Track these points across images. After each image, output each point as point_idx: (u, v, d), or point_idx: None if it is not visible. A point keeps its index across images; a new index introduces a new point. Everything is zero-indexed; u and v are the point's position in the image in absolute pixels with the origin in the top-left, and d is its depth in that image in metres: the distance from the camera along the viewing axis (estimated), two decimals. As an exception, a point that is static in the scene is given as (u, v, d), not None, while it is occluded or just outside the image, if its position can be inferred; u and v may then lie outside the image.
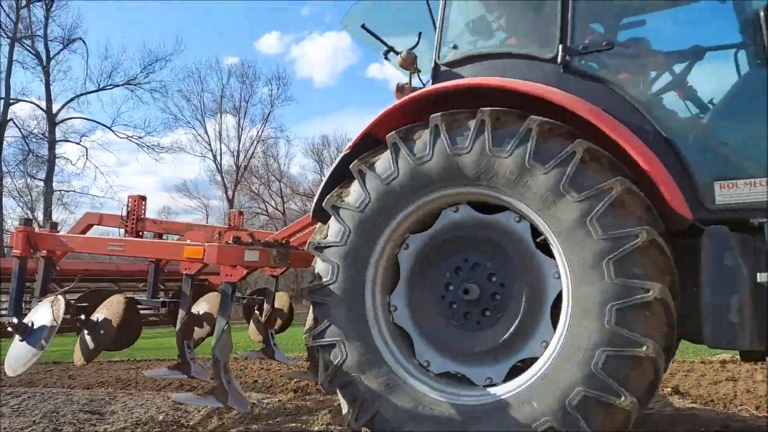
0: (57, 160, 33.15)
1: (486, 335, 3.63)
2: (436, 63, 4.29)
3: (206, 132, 41.97)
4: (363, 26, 5.06)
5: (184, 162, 51.33)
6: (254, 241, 4.68)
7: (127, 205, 6.30)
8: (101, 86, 34.44)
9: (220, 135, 42.24)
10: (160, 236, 6.42)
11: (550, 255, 3.44)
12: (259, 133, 43.25)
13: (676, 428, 4.85)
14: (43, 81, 32.56)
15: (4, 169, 31.36)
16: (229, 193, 42.52)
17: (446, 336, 3.71)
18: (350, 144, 3.98)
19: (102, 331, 4.75)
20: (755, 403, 5.73)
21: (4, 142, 30.48)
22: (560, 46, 3.79)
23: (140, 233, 6.25)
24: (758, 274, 3.16)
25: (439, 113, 3.61)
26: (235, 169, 42.54)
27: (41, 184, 32.73)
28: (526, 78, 3.80)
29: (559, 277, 3.39)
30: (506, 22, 4.37)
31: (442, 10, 4.34)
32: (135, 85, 35.03)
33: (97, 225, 6.49)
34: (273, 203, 45.79)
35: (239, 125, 42.94)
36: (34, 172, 33.13)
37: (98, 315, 4.83)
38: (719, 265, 3.24)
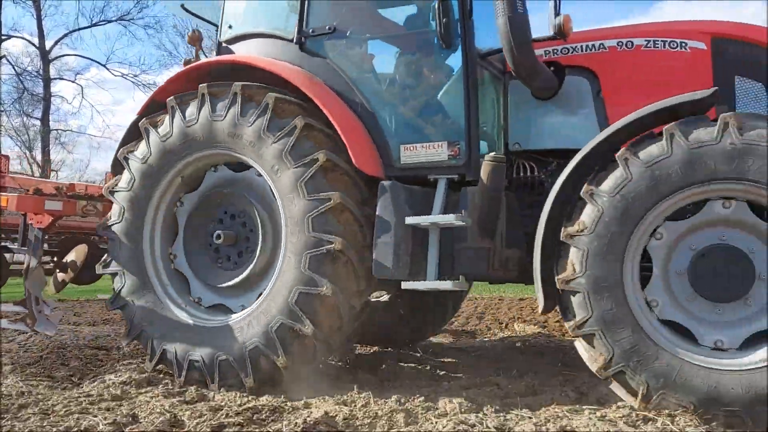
0: (52, 99, 32.70)
1: (220, 271, 4.39)
2: (219, 41, 4.92)
3: (203, 69, 41.19)
4: (182, 6, 5.48)
5: (182, 100, 50.26)
6: (58, 192, 5.56)
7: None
8: (94, 22, 33.53)
9: (217, 72, 41.48)
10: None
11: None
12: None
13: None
14: (35, 16, 31.77)
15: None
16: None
17: (198, 256, 4.48)
18: (139, 110, 4.66)
19: None
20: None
21: (-1, 79, 30.01)
22: (296, 28, 4.43)
23: (4, 188, 6.80)
24: (406, 218, 3.80)
25: (206, 84, 4.22)
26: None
27: (38, 123, 32.42)
28: (277, 55, 4.48)
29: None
30: (274, 6, 4.88)
31: None
32: (128, 20, 34.07)
33: None
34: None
35: (236, 62, 42.12)
36: (30, 110, 32.75)
37: None
38: (385, 211, 3.84)
